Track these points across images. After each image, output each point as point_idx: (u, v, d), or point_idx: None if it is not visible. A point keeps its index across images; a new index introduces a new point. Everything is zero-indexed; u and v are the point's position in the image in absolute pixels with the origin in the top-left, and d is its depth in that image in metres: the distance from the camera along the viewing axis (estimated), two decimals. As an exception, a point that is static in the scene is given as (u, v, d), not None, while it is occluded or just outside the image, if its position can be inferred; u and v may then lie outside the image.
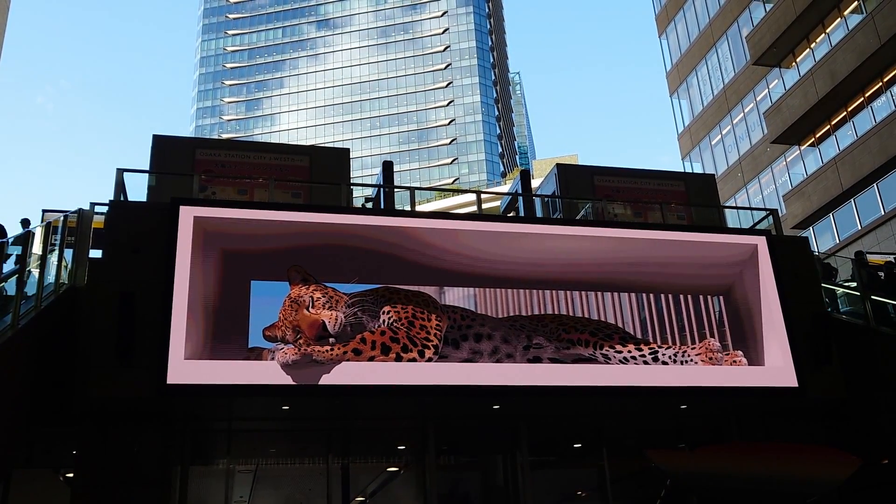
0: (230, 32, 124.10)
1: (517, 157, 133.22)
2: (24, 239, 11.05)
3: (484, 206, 15.60)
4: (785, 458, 11.74)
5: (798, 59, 32.88)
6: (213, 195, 13.81)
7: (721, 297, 13.42)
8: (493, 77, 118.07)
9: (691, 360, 12.71)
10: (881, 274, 15.69)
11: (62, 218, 12.46)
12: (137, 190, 13.60)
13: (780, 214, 18.68)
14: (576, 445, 14.95)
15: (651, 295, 13.15)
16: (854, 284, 15.38)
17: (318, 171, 15.00)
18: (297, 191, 14.53)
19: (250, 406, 11.84)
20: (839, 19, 30.41)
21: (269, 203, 12.92)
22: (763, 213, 16.65)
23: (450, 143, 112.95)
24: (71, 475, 12.06)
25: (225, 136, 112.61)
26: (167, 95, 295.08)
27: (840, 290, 15.62)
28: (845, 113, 30.41)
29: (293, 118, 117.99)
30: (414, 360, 11.51)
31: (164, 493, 11.17)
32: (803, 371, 12.95)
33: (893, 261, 16.93)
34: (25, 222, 12.87)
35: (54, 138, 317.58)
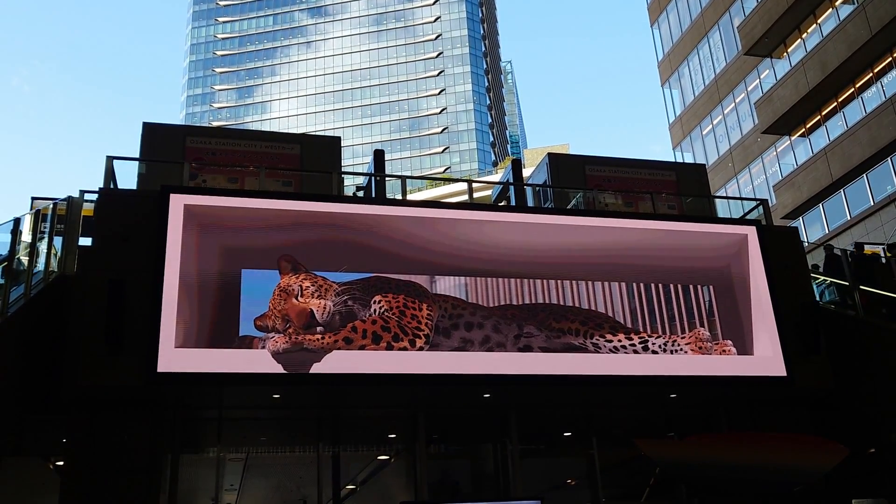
0: (221, 19, 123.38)
1: (509, 146, 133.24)
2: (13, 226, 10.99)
3: (475, 195, 15.62)
4: (773, 448, 11.80)
5: (789, 50, 32.93)
6: (203, 183, 13.76)
7: (711, 287, 13.46)
8: (485, 66, 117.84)
9: (681, 350, 12.76)
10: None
11: (51, 205, 12.40)
12: (127, 177, 13.55)
13: (770, 204, 18.74)
14: (566, 434, 15.02)
15: (641, 284, 13.18)
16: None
17: (309, 160, 14.96)
18: (288, 179, 14.50)
19: (241, 394, 11.83)
20: (831, 10, 30.45)
21: (259, 191, 12.88)
22: (753, 203, 16.70)
23: (441, 132, 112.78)
24: (61, 463, 12.05)
25: (216, 123, 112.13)
26: (157, 82, 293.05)
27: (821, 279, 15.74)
28: (836, 103, 30.49)
29: (284, 106, 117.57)
30: (405, 348, 11.53)
31: (154, 482, 11.16)
32: (792, 361, 13.03)
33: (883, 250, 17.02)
34: None
35: (34, 122, 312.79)
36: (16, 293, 10.66)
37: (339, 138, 16.01)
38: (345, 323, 11.40)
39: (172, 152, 14.15)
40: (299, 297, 11.30)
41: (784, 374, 12.91)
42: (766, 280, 13.51)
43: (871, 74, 28.66)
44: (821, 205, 31.02)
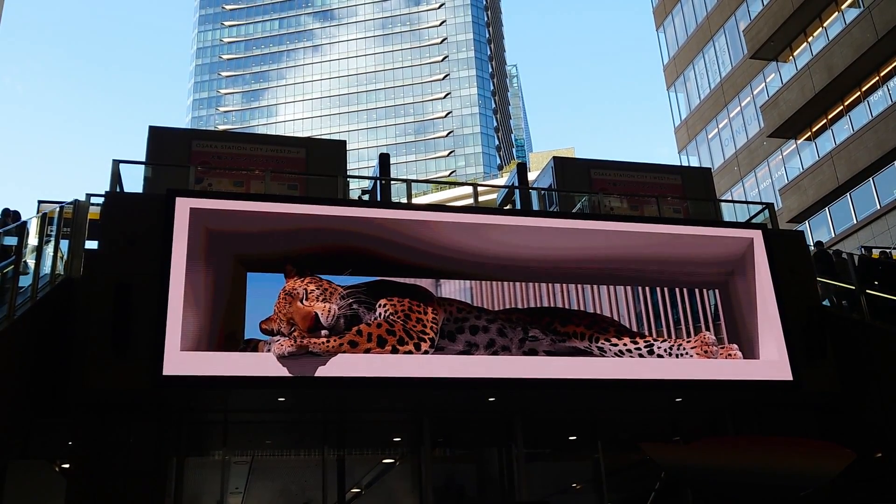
0: (227, 23, 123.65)
1: (514, 149, 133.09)
2: (20, 229, 11.04)
3: (480, 198, 15.63)
4: (779, 452, 11.76)
5: (795, 53, 32.88)
6: (209, 187, 13.79)
7: (717, 291, 13.44)
8: (491, 69, 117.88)
9: (686, 354, 12.73)
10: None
11: (58, 209, 12.45)
12: (133, 181, 13.60)
13: (776, 208, 18.71)
14: (571, 438, 14.99)
15: (647, 288, 13.17)
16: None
17: (315, 163, 14.99)
18: (294, 183, 14.52)
19: (246, 398, 11.85)
20: (836, 13, 30.40)
21: (265, 195, 12.90)
22: (759, 207, 16.68)
23: (446, 136, 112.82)
24: (67, 466, 12.07)
25: (222, 127, 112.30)
26: (163, 86, 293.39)
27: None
28: (842, 107, 30.43)
29: (290, 110, 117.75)
30: (410, 352, 11.52)
31: (159, 485, 11.19)
32: (798, 365, 12.99)
33: (888, 253, 16.98)
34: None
35: (33, 124, 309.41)
36: (22, 297, 10.69)
37: (344, 142, 16.06)
38: (350, 326, 11.40)
39: (178, 156, 14.20)
40: (304, 301, 11.31)
41: (790, 377, 12.87)
42: (771, 284, 13.48)
43: (877, 78, 28.58)
44: (827, 209, 30.94)
